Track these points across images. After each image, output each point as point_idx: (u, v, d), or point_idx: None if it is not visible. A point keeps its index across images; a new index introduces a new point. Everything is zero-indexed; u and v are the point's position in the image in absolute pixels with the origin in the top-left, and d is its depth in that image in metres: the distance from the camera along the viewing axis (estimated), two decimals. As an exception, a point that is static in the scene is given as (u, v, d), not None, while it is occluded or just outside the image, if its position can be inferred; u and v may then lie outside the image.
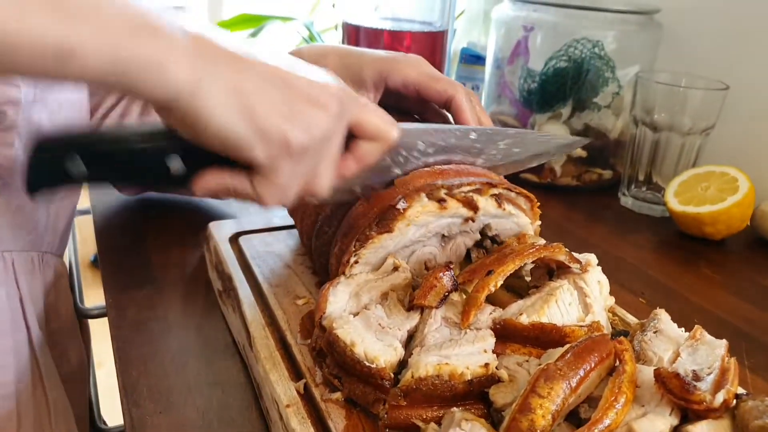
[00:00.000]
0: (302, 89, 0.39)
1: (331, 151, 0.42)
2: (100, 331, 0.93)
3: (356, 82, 0.55)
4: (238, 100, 0.36)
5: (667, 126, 0.88)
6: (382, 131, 0.44)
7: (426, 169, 0.51)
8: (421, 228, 0.50)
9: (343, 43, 0.93)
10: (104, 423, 0.78)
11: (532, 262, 0.50)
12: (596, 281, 0.51)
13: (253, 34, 1.48)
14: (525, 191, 0.53)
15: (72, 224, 0.70)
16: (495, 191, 0.51)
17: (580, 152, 0.95)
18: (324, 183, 0.43)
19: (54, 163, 0.39)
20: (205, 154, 0.39)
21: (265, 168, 0.39)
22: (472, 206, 0.50)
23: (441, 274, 0.47)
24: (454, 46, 1.22)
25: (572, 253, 0.52)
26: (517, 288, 0.53)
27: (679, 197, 0.84)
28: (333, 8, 1.55)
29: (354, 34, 0.88)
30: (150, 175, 0.42)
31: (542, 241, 0.51)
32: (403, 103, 0.60)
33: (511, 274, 0.54)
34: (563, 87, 0.92)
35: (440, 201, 0.48)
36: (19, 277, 0.59)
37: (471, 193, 0.50)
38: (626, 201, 0.94)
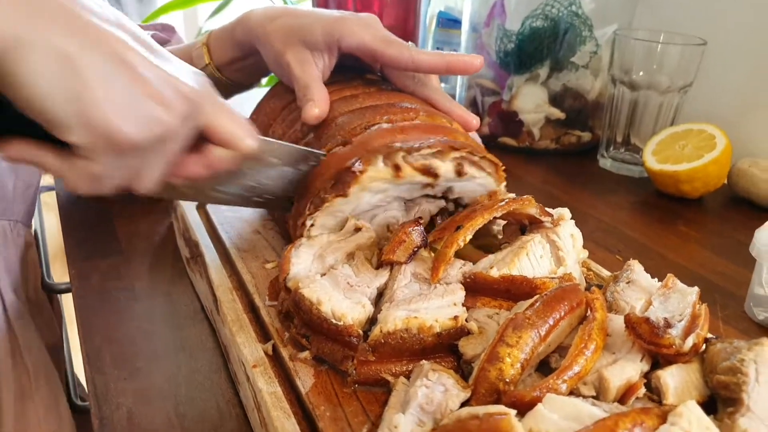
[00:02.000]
0: (149, 81, 0.34)
1: (166, 153, 0.38)
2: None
3: (308, 44, 0.53)
4: (66, 74, 0.31)
5: (646, 85, 0.87)
6: (236, 140, 0.40)
7: (386, 126, 0.49)
8: (378, 194, 0.48)
9: (312, 5, 0.90)
10: (81, 399, 0.76)
11: (502, 217, 0.49)
12: (569, 234, 0.50)
13: (224, 4, 1.44)
14: (490, 155, 0.50)
15: (37, 194, 0.68)
16: (456, 155, 0.48)
17: (558, 114, 0.94)
18: (148, 182, 0.39)
19: None
20: (18, 118, 0.33)
21: (82, 153, 0.34)
22: (431, 174, 0.48)
23: (410, 229, 0.46)
24: (431, 10, 1.19)
25: (544, 207, 0.51)
26: (488, 247, 0.52)
27: (657, 156, 0.83)
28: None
29: (323, -6, 0.86)
30: None
31: (513, 197, 0.50)
32: (361, 62, 0.58)
33: (482, 234, 0.53)
34: (540, 47, 0.90)
35: (396, 167, 0.46)
36: None
37: (431, 157, 0.47)
38: (605, 163, 0.94)
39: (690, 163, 0.80)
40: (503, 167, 0.52)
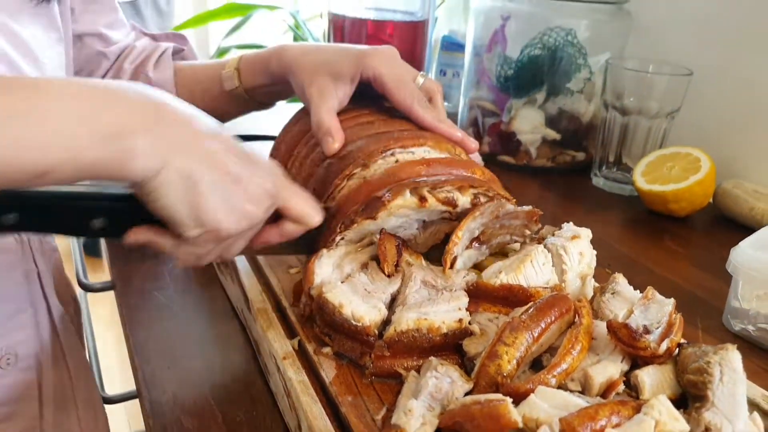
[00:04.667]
0: (244, 186, 0.44)
1: (250, 235, 0.48)
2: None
3: (334, 75, 0.60)
4: (188, 190, 0.41)
5: (636, 110, 0.93)
6: (305, 217, 0.50)
7: (414, 158, 0.56)
8: (402, 218, 0.54)
9: (328, 31, 0.97)
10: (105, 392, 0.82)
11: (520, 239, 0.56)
12: (578, 252, 0.55)
13: (240, 24, 1.51)
14: (502, 193, 0.57)
15: None
16: (474, 191, 0.55)
17: (554, 135, 1.01)
18: (234, 254, 0.50)
19: None
20: (131, 217, 0.45)
21: (191, 242, 0.44)
22: (451, 204, 0.54)
23: (385, 247, 0.52)
24: (436, 34, 1.26)
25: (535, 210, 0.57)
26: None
27: (646, 177, 0.89)
28: (318, -4, 1.59)
29: (340, 24, 0.92)
30: (76, 230, 0.46)
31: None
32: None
33: (499, 253, 0.59)
34: (538, 73, 0.97)
35: (421, 198, 0.53)
36: (35, 253, 0.62)
37: (453, 190, 0.54)
38: (598, 181, 1.00)
39: (677, 184, 0.86)
40: (514, 200, 0.58)
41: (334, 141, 0.57)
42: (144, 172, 0.40)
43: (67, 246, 0.84)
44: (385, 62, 0.60)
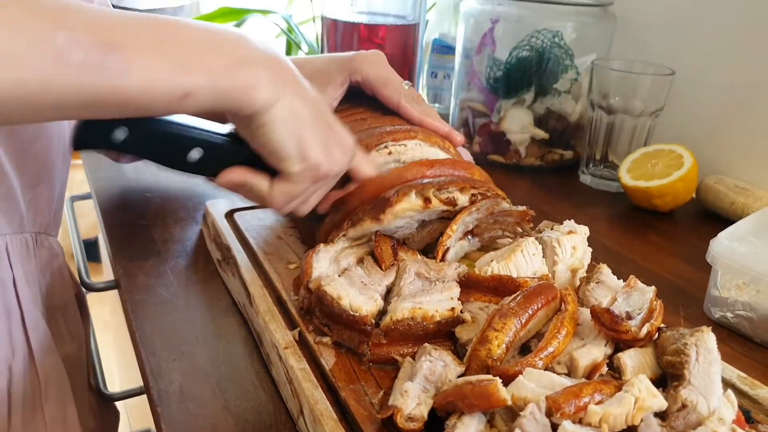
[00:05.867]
0: (336, 134, 0.51)
1: (326, 189, 0.55)
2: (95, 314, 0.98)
3: (324, 81, 0.64)
4: (295, 124, 0.47)
5: (621, 109, 0.96)
6: (369, 177, 0.56)
7: (407, 150, 0.59)
8: (405, 219, 0.57)
9: (322, 35, 0.99)
10: (107, 389, 0.83)
11: (503, 231, 0.58)
12: (571, 246, 0.58)
13: (235, 27, 1.53)
14: (500, 192, 0.60)
15: (63, 205, 0.72)
16: (474, 191, 0.58)
17: (542, 134, 1.03)
18: (311, 206, 0.55)
19: (103, 128, 0.46)
20: (227, 156, 0.49)
21: (291, 178, 0.49)
22: (451, 204, 0.57)
23: (380, 249, 0.55)
24: (426, 37, 1.28)
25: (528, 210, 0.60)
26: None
27: (631, 173, 0.93)
28: (310, 1, 1.61)
29: (333, 28, 0.95)
30: (174, 159, 0.50)
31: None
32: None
33: (489, 247, 0.61)
34: (526, 74, 1.00)
35: (426, 200, 0.55)
36: (13, 260, 0.61)
37: (455, 191, 0.57)
38: (585, 178, 1.03)
39: (660, 180, 0.89)
40: (507, 199, 0.60)
41: None
42: (262, 103, 0.45)
43: (68, 246, 0.85)
44: (371, 65, 0.64)
